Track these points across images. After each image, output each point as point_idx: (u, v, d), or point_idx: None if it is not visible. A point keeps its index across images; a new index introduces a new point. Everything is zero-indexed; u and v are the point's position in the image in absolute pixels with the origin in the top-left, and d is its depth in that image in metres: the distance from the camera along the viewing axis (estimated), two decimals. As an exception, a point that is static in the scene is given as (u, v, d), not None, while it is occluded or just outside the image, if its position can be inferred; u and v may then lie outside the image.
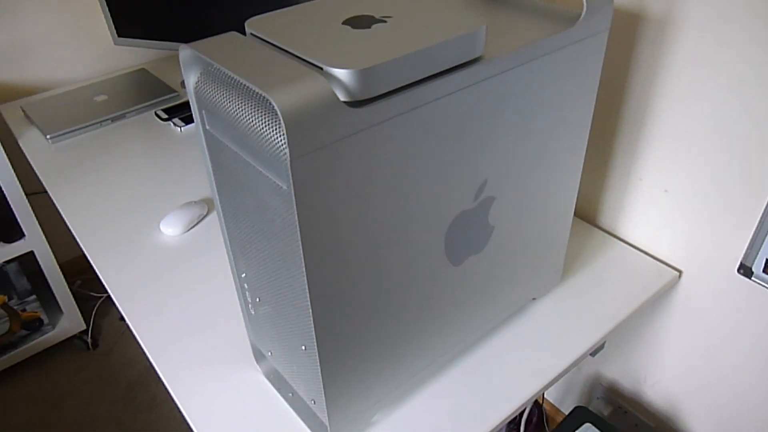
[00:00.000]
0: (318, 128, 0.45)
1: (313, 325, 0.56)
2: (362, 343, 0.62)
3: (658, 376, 1.05)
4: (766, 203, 0.78)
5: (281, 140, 0.45)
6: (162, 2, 1.37)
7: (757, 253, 0.81)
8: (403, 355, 0.69)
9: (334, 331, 0.58)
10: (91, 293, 1.82)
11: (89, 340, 1.68)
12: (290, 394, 0.73)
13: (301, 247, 0.50)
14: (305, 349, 0.61)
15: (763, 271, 0.82)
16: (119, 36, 1.47)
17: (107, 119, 1.34)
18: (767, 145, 0.75)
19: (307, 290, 0.53)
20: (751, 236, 0.82)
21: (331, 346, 0.59)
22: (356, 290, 0.57)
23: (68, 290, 1.59)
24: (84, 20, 1.58)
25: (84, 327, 1.66)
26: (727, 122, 0.78)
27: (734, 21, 0.72)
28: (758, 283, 0.84)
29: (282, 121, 0.42)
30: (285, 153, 0.45)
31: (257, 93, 0.48)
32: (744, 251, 0.83)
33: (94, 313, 1.77)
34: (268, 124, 0.46)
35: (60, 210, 1.09)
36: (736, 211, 0.82)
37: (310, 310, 0.54)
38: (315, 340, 0.57)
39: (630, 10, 0.82)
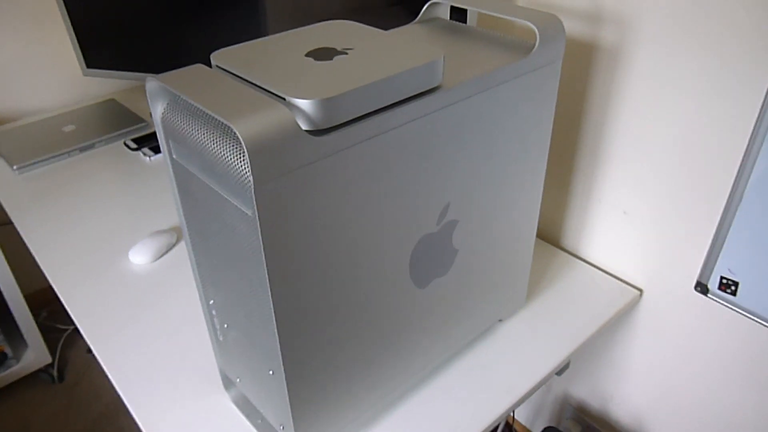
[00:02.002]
0: (280, 156, 0.46)
1: (279, 350, 0.56)
2: (329, 367, 0.63)
3: (624, 393, 1.07)
4: (717, 223, 0.82)
5: (245, 168, 0.46)
6: (131, 34, 1.38)
7: (712, 271, 0.85)
8: (372, 378, 0.70)
9: (301, 355, 0.59)
10: (58, 325, 1.78)
11: (55, 374, 1.65)
12: (259, 421, 0.73)
13: (266, 272, 0.51)
14: (273, 373, 0.61)
15: (719, 288, 0.85)
16: (88, 67, 1.47)
17: (75, 149, 1.33)
18: (718, 166, 0.79)
19: (273, 315, 0.54)
20: (705, 255, 0.85)
21: (297, 370, 0.60)
22: (322, 314, 0.59)
23: (34, 322, 1.56)
24: (52, 51, 1.58)
25: (50, 360, 1.63)
26: (679, 145, 0.82)
27: (683, 47, 0.76)
28: (714, 300, 0.87)
29: (245, 150, 0.44)
30: (249, 180, 0.46)
31: (221, 123, 0.49)
32: (700, 269, 0.87)
33: (60, 345, 1.74)
34: (233, 153, 0.47)
35: (26, 241, 1.08)
36: (691, 231, 0.85)
37: (276, 335, 0.55)
38: (282, 365, 0.58)
39: (584, 41, 0.86)
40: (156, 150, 1.32)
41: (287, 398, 0.60)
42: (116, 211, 1.14)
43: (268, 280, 0.51)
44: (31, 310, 1.55)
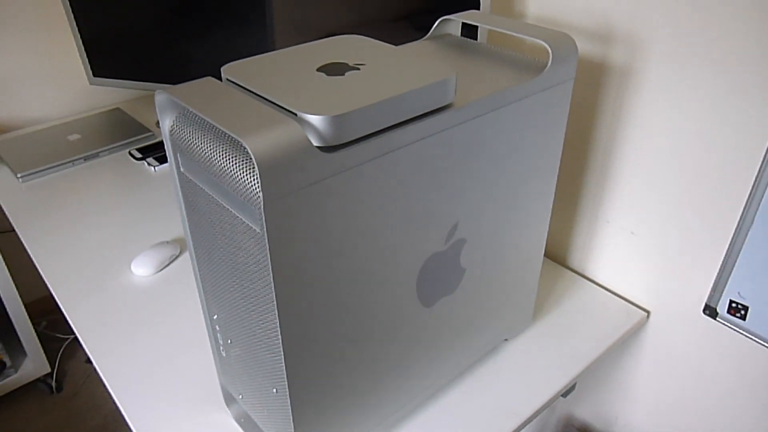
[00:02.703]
0: (291, 173, 0.45)
1: (284, 368, 0.55)
2: (334, 386, 0.62)
3: (629, 416, 1.06)
4: (727, 245, 0.81)
5: (255, 184, 0.45)
6: (137, 43, 1.38)
7: (721, 295, 0.84)
8: (376, 398, 0.69)
9: (306, 374, 0.58)
10: (57, 335, 1.77)
11: (54, 384, 1.63)
12: (261, 439, 0.72)
13: (273, 289, 0.50)
14: (277, 392, 0.60)
15: (728, 312, 0.84)
16: (95, 76, 1.47)
17: (80, 158, 1.33)
18: (727, 189, 0.78)
19: (279, 332, 0.53)
20: (714, 277, 0.84)
21: (302, 389, 0.58)
22: (328, 333, 0.58)
23: (33, 331, 1.55)
24: (59, 60, 1.59)
25: (48, 370, 1.62)
26: (689, 166, 0.81)
27: (694, 69, 0.75)
28: (723, 324, 0.86)
29: (256, 166, 0.43)
30: (258, 197, 0.45)
31: (232, 138, 0.48)
32: (708, 292, 0.86)
33: (59, 355, 1.73)
34: (242, 168, 0.47)
35: (28, 249, 1.07)
36: (700, 253, 0.84)
37: (282, 353, 0.54)
38: (287, 383, 0.57)
39: (594, 60, 0.85)
40: (161, 160, 1.32)
41: (291, 417, 0.59)
42: (119, 221, 1.13)
43: (275, 298, 0.50)
44: (31, 319, 1.54)
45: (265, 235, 0.47)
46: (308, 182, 0.47)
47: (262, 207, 0.45)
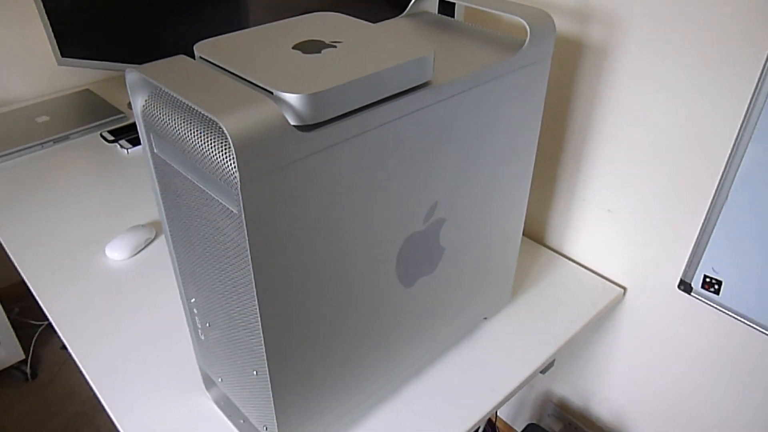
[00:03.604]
0: (268, 152, 0.45)
1: (264, 350, 0.55)
2: (314, 367, 0.62)
3: (606, 391, 1.08)
4: (701, 222, 0.82)
5: (231, 164, 0.45)
6: (107, 22, 1.34)
7: (696, 270, 0.85)
8: (357, 378, 0.69)
9: (286, 355, 0.58)
10: (31, 321, 1.74)
11: (28, 371, 1.61)
12: (241, 421, 0.72)
13: (252, 270, 0.49)
14: (257, 374, 0.60)
15: (702, 287, 0.85)
16: (63, 56, 1.43)
17: (49, 141, 1.30)
18: (702, 166, 0.79)
19: (258, 314, 0.52)
20: (689, 254, 0.85)
21: (282, 371, 0.58)
22: (308, 313, 0.57)
23: (6, 318, 1.52)
24: (25, 39, 1.54)
25: (23, 357, 1.59)
26: (664, 144, 0.82)
27: (669, 47, 0.76)
28: (697, 298, 0.87)
29: (232, 146, 0.42)
30: (235, 177, 0.44)
31: (207, 117, 0.47)
32: (683, 268, 0.87)
33: (33, 342, 1.70)
34: (218, 149, 0.46)
35: (-2, 235, 1.04)
36: (675, 230, 0.86)
37: (262, 335, 0.54)
38: (266, 365, 0.56)
39: (571, 38, 0.85)
40: (134, 142, 1.29)
41: (271, 399, 0.59)
42: (92, 205, 1.11)
43: (253, 279, 0.50)
44: (3, 306, 1.51)
45: (243, 215, 0.46)
46: (285, 162, 0.46)
47: (239, 188, 0.44)
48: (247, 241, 0.47)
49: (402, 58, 0.52)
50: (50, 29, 1.39)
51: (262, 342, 0.54)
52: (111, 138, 1.32)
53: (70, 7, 1.35)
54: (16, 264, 0.98)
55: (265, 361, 0.56)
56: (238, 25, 1.21)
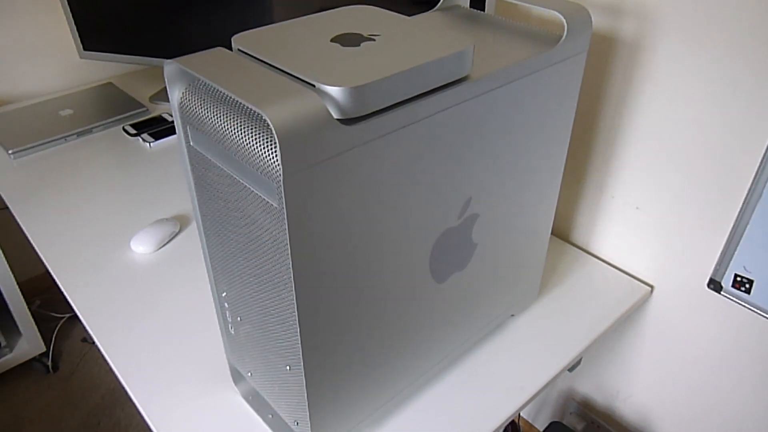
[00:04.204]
0: (311, 145, 0.44)
1: (300, 345, 0.55)
2: (348, 362, 0.62)
3: (631, 390, 1.07)
4: (734, 220, 0.81)
5: (274, 157, 0.44)
6: (129, 16, 1.35)
7: (726, 269, 0.84)
8: (387, 373, 0.69)
9: (321, 350, 0.57)
10: (52, 314, 1.75)
11: (49, 363, 1.62)
12: (270, 416, 0.72)
13: (291, 265, 0.49)
14: (290, 369, 0.59)
15: (732, 286, 0.84)
16: (85, 50, 1.44)
17: (73, 134, 1.30)
18: (734, 164, 0.78)
19: (296, 309, 0.52)
20: (720, 252, 0.84)
21: (316, 366, 0.58)
22: (343, 309, 0.57)
23: (27, 311, 1.53)
24: (49, 33, 1.54)
25: (44, 349, 1.60)
26: (696, 141, 0.80)
27: (705, 42, 0.74)
28: (727, 298, 0.86)
29: (276, 138, 0.42)
30: (278, 170, 0.44)
31: (249, 109, 0.47)
32: (713, 267, 0.86)
33: (54, 334, 1.71)
34: (260, 141, 0.45)
35: (23, 227, 1.05)
36: (705, 228, 0.84)
37: (298, 330, 0.53)
38: (301, 360, 0.56)
39: (604, 33, 0.84)
40: (156, 136, 1.30)
41: (305, 395, 0.59)
42: (116, 198, 1.11)
43: (292, 274, 0.49)
44: (25, 298, 1.52)
45: (284, 210, 0.46)
46: (327, 156, 0.46)
47: (282, 181, 0.44)
48: (287, 236, 0.47)
49: (443, 51, 0.51)
50: (73, 23, 1.40)
51: (298, 336, 0.54)
52: (133, 131, 1.32)
53: (93, 1, 1.35)
54: (41, 256, 0.99)
55: (300, 356, 0.56)
56: (261, 17, 1.20)
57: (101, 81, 1.60)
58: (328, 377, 0.60)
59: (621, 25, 0.82)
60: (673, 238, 0.89)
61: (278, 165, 0.44)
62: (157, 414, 0.73)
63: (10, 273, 1.46)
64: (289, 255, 0.48)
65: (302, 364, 0.56)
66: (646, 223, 0.92)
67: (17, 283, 1.49)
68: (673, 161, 0.84)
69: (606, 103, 0.89)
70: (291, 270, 0.49)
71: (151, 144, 1.28)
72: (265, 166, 0.45)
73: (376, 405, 0.70)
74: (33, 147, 1.26)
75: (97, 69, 1.64)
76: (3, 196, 1.14)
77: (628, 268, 0.98)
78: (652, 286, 0.95)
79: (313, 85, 0.46)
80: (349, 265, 0.54)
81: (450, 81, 0.53)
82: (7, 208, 1.11)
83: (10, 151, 1.24)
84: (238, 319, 0.65)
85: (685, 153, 0.82)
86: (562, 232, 1.05)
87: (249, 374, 0.70)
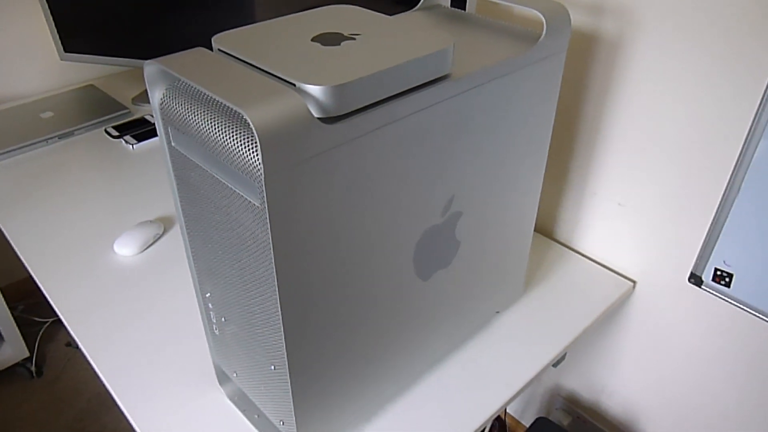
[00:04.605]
0: (292, 144, 0.44)
1: (284, 344, 0.55)
2: (333, 361, 0.62)
3: (616, 385, 1.08)
4: (713, 214, 0.82)
5: (255, 157, 0.44)
6: (110, 17, 1.34)
7: (707, 263, 0.85)
8: (373, 372, 0.69)
9: (305, 349, 0.57)
10: (35, 318, 1.74)
11: (33, 368, 1.60)
12: (256, 416, 0.71)
13: (273, 264, 0.49)
14: (275, 368, 0.59)
15: (713, 280, 0.85)
16: (66, 51, 1.42)
17: (54, 137, 1.29)
18: (713, 159, 0.79)
19: (279, 308, 0.52)
20: (700, 246, 0.85)
21: (301, 365, 0.58)
22: (327, 307, 0.57)
23: (11, 316, 1.51)
24: (29, 35, 1.53)
25: (27, 354, 1.59)
26: (676, 137, 0.81)
27: (683, 39, 0.75)
28: (708, 291, 0.87)
29: (257, 138, 0.42)
30: (259, 170, 0.44)
31: (230, 109, 0.47)
32: (694, 261, 0.87)
33: (38, 339, 1.69)
34: (242, 141, 0.45)
35: (4, 231, 1.04)
36: (686, 223, 0.86)
37: (282, 329, 0.53)
38: (286, 359, 0.56)
39: (585, 31, 0.85)
40: (139, 138, 1.29)
41: (290, 394, 0.59)
42: (99, 201, 1.11)
43: (275, 273, 0.49)
44: (7, 303, 1.50)
45: (266, 209, 0.46)
46: (309, 154, 0.46)
47: (263, 180, 0.44)
48: (269, 235, 0.47)
49: (423, 50, 0.51)
50: (53, 24, 1.39)
51: (282, 336, 0.54)
52: (116, 133, 1.31)
53: (73, 2, 1.34)
54: (23, 260, 0.98)
55: (285, 356, 0.56)
56: (242, 18, 1.20)
57: (82, 83, 1.59)
58: (313, 376, 0.60)
59: (601, 24, 0.83)
60: (655, 233, 0.90)
61: (260, 164, 0.44)
62: (143, 417, 0.73)
63: (-8, 278, 1.44)
64: (272, 254, 0.48)
65: (287, 363, 0.56)
66: (628, 220, 0.93)
67: (1, 289, 1.47)
68: (653, 158, 0.85)
69: (587, 101, 0.89)
70: (274, 268, 0.49)
71: (134, 146, 1.27)
72: (247, 165, 0.45)
73: (363, 403, 0.70)
74: (13, 150, 1.24)
75: (78, 71, 1.63)
76: (-17, 200, 1.12)
77: (611, 264, 0.99)
78: (634, 282, 0.96)
79: (294, 85, 0.46)
80: (333, 263, 0.55)
81: (430, 79, 0.53)
82: (-12, 212, 1.10)
83: (-10, 155, 1.22)
84: (223, 319, 0.65)
85: (664, 150, 0.84)
86: (546, 229, 1.06)
87: (234, 375, 0.70)
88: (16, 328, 1.54)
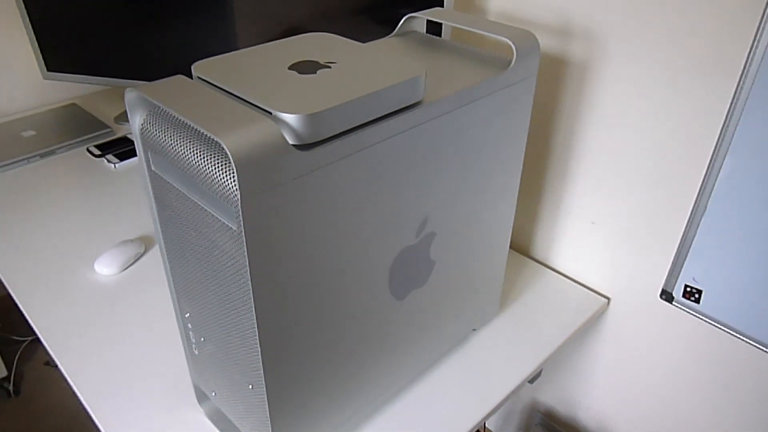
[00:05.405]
0: (267, 170, 0.46)
1: (261, 364, 0.56)
2: (310, 380, 0.63)
3: (591, 399, 1.10)
4: (682, 232, 0.85)
5: (232, 182, 0.46)
6: (93, 36, 1.35)
7: (677, 280, 0.88)
8: (350, 390, 0.70)
9: (282, 369, 0.58)
10: (14, 337, 1.72)
11: (11, 388, 1.59)
12: (235, 435, 0.72)
13: (250, 285, 0.50)
14: (252, 387, 0.60)
15: (683, 296, 0.88)
16: (48, 70, 1.43)
17: (35, 155, 1.29)
18: (682, 177, 0.82)
19: (256, 329, 0.53)
20: (670, 263, 0.88)
21: (278, 384, 0.59)
22: (304, 327, 0.58)
23: (-12, 335, 1.50)
24: (10, 53, 1.53)
25: (5, 373, 1.57)
26: (644, 156, 0.84)
27: (648, 61, 0.78)
28: (679, 308, 0.90)
29: (233, 164, 0.43)
30: (236, 195, 0.46)
31: (207, 136, 0.49)
32: (665, 278, 0.89)
33: (17, 358, 1.68)
34: (219, 167, 0.47)
35: (-16, 250, 1.04)
36: (657, 241, 0.88)
37: (259, 349, 0.55)
38: (263, 379, 0.57)
39: (554, 54, 0.88)
40: (121, 157, 1.29)
41: (267, 412, 0.60)
42: (80, 219, 1.11)
43: (252, 295, 0.51)
44: (-14, 322, 1.49)
45: (243, 232, 0.47)
46: (284, 180, 0.48)
47: (240, 205, 0.45)
48: (246, 258, 0.48)
49: (396, 78, 0.53)
50: (36, 43, 1.39)
51: (259, 356, 0.55)
52: (98, 152, 1.32)
53: (56, 21, 1.35)
54: (1, 278, 0.98)
55: (262, 375, 0.57)
56: (225, 40, 1.22)
57: (65, 101, 1.59)
58: (290, 395, 0.61)
59: (570, 48, 0.86)
60: (627, 251, 0.93)
61: (236, 189, 0.45)
62: (121, 436, 0.73)
63: (-29, 297, 1.43)
64: (249, 275, 0.50)
65: (264, 382, 0.57)
66: (601, 237, 0.95)
67: (-22, 307, 1.47)
68: (623, 177, 0.88)
69: (559, 121, 0.92)
70: (251, 290, 0.51)
71: (116, 165, 1.28)
72: (224, 190, 0.47)
73: (339, 421, 0.71)
74: (-6, 169, 1.25)
75: (60, 89, 1.63)
76: (-37, 218, 1.12)
77: (585, 281, 1.01)
78: (608, 298, 0.98)
79: (270, 113, 0.48)
80: (309, 285, 0.56)
81: (403, 106, 0.55)
82: (-33, 231, 1.10)
83: (-30, 173, 1.22)
84: (201, 339, 0.66)
85: (634, 168, 0.86)
86: (522, 247, 1.09)
87: (213, 394, 0.71)
88: (-5, 348, 1.53)
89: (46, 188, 1.20)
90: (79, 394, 0.79)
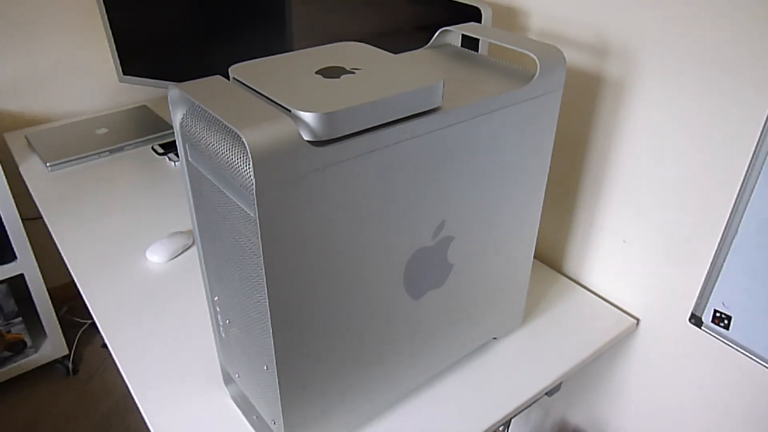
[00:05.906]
0: (282, 163, 0.50)
1: (272, 344, 0.60)
2: (321, 367, 0.67)
3: (620, 420, 1.08)
4: (712, 256, 0.83)
5: (249, 173, 0.50)
6: (166, 45, 1.45)
7: (706, 304, 0.86)
8: (363, 381, 0.73)
9: (294, 353, 0.62)
10: (77, 319, 1.85)
11: (70, 366, 1.70)
12: (255, 417, 0.77)
13: (264, 270, 0.55)
14: (267, 368, 0.65)
15: (712, 321, 0.86)
16: (124, 74, 1.55)
17: (105, 151, 1.40)
18: (716, 200, 0.81)
19: (269, 311, 0.58)
20: (700, 287, 0.87)
21: (290, 367, 0.63)
22: (316, 315, 0.62)
23: (54, 315, 1.62)
24: (91, 57, 1.67)
25: (66, 352, 1.69)
26: (679, 177, 0.84)
27: (685, 83, 0.79)
28: (707, 333, 0.88)
29: (250, 155, 0.48)
30: (252, 184, 0.50)
31: (232, 130, 0.54)
32: (694, 301, 0.88)
33: (77, 339, 1.80)
34: (240, 158, 0.52)
35: (53, 235, 1.14)
36: (687, 263, 0.87)
37: (271, 330, 0.59)
38: (275, 360, 0.61)
39: (591, 72, 0.89)
40: (181, 156, 1.38)
41: (278, 392, 0.64)
42: (139, 211, 1.20)
43: (265, 279, 0.55)
44: (53, 303, 1.61)
45: (257, 219, 0.52)
46: (299, 173, 0.52)
47: (255, 193, 0.50)
48: (260, 243, 0.53)
49: (413, 85, 0.57)
50: (115, 49, 1.51)
51: (271, 337, 0.59)
52: (161, 151, 1.41)
53: (134, 30, 1.46)
54: (67, 263, 1.07)
55: (273, 356, 0.61)
56: (282, 46, 1.29)
57: (137, 103, 1.71)
58: (302, 380, 0.65)
59: (606, 65, 0.87)
60: (658, 272, 0.92)
61: (252, 179, 0.50)
62: (155, 415, 0.79)
63: (41, 279, 1.56)
64: (262, 261, 0.54)
65: (275, 363, 0.61)
66: (633, 257, 0.95)
67: (48, 289, 1.59)
68: (657, 196, 0.88)
69: (594, 139, 0.93)
70: (264, 274, 0.55)
71: (176, 163, 1.37)
72: (243, 180, 0.52)
73: (352, 413, 0.75)
74: (68, 161, 1.36)
75: (133, 92, 1.76)
76: (38, 205, 1.23)
77: (616, 300, 1.00)
78: (638, 319, 0.97)
79: (289, 110, 0.53)
80: (321, 274, 0.60)
81: (419, 111, 0.58)
82: (42, 217, 1.20)
83: (47, 164, 1.34)
84: (227, 322, 0.71)
85: (667, 189, 0.86)
86: (554, 263, 1.09)
87: (237, 376, 0.76)
88: (59, 327, 1.64)
89: (112, 181, 1.30)
90: (123, 373, 0.86)
